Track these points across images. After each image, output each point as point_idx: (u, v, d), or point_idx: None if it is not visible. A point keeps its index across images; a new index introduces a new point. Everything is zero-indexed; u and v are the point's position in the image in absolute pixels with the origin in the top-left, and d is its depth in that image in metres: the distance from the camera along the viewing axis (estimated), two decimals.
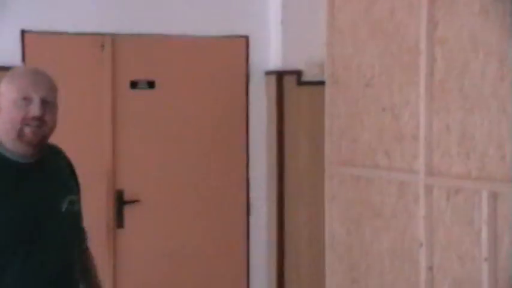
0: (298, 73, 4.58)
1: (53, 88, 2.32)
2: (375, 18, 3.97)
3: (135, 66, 4.37)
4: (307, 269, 4.62)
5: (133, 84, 4.37)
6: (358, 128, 4.10)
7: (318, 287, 4.42)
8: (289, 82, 4.59)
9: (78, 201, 2.43)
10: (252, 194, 4.68)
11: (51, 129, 2.30)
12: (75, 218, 2.41)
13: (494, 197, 3.31)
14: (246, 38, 4.60)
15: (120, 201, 4.36)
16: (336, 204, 4.26)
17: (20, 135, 2.20)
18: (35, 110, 2.19)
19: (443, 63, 3.57)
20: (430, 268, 3.64)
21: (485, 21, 3.35)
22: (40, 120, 2.22)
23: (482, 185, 3.35)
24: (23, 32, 4.10)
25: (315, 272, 4.49)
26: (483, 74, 3.37)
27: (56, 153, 2.46)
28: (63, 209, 2.32)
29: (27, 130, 2.20)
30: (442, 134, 3.58)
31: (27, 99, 2.18)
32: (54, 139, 2.43)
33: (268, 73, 4.63)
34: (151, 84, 4.40)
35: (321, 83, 4.36)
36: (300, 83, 4.59)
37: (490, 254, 3.32)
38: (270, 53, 4.63)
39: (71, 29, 4.18)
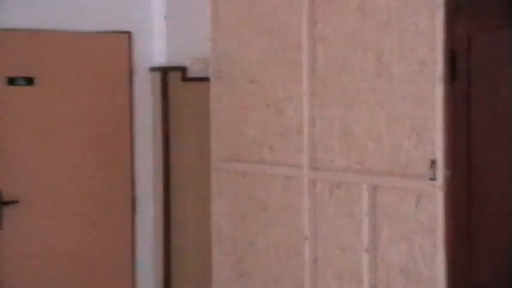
0: (183, 69, 4.56)
1: None
2: (258, 14, 4.00)
3: (12, 62, 4.21)
4: (194, 264, 4.61)
5: (11, 81, 4.21)
6: (243, 124, 4.13)
7: (205, 282, 4.42)
8: (174, 78, 4.56)
9: None
10: (137, 192, 4.62)
11: None
12: None
13: (373, 189, 3.42)
14: (129, 34, 4.53)
15: None
16: (222, 199, 4.27)
17: None
18: None
19: (324, 60, 3.65)
20: (314, 260, 3.71)
21: (362, 18, 3.44)
22: None
23: (362, 178, 3.46)
24: None
25: (202, 267, 4.48)
26: (361, 71, 3.47)
27: None
28: None
29: None
30: (324, 129, 3.66)
31: None
32: None
33: (152, 69, 4.58)
34: (30, 81, 4.26)
35: (206, 79, 4.35)
36: (185, 79, 4.57)
37: (370, 245, 3.43)
38: (154, 49, 4.58)
39: None
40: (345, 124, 3.56)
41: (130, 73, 4.56)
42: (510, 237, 2.89)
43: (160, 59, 4.58)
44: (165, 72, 4.55)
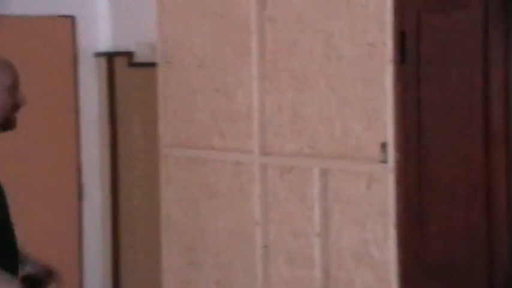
0: (129, 54, 4.48)
1: None
2: None
3: None
4: (144, 252, 4.55)
5: None
6: (192, 109, 4.07)
7: (155, 271, 4.36)
8: (120, 64, 4.49)
9: None
10: (84, 180, 4.53)
11: None
12: None
13: (324, 173, 3.40)
14: (72, 18, 4.42)
15: None
16: (172, 186, 4.22)
17: (7, 122, 2.22)
18: (24, 97, 2.22)
19: (274, 43, 3.61)
20: (266, 246, 3.69)
21: (312, 0, 3.41)
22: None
23: (314, 162, 3.43)
24: None
25: (152, 255, 4.42)
26: (311, 53, 3.44)
27: None
28: None
29: (14, 117, 2.23)
30: (275, 114, 3.63)
31: (16, 87, 2.20)
32: None
33: (97, 55, 4.49)
34: None
35: (154, 64, 4.28)
36: (132, 64, 4.51)
37: (321, 229, 3.41)
38: (99, 33, 4.48)
39: None
40: (295, 108, 3.53)
41: (75, 59, 4.46)
42: (461, 219, 2.90)
43: (105, 44, 4.49)
44: (110, 57, 4.48)
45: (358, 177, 3.27)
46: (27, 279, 2.39)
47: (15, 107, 2.20)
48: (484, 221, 2.82)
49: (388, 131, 3.11)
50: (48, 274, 2.43)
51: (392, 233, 3.13)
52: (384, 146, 3.13)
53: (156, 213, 4.32)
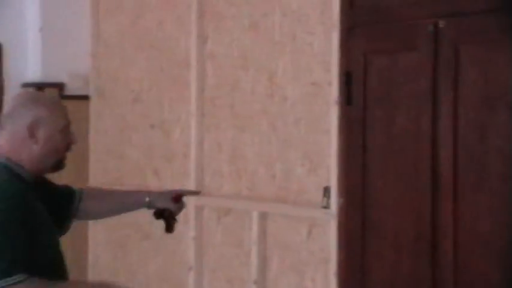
0: (60, 86, 4.32)
1: None
2: (143, 30, 3.87)
3: None
4: None
5: None
6: (126, 146, 3.97)
7: None
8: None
9: None
10: None
11: None
12: None
13: (263, 217, 3.30)
14: (0, 46, 4.21)
15: None
16: (101, 227, 4.04)
17: (61, 162, 2.21)
18: (74, 137, 2.22)
19: (214, 79, 3.54)
20: None
21: (255, 36, 3.33)
22: None
23: (252, 205, 3.34)
24: None
25: None
26: (253, 91, 3.36)
27: None
28: None
29: (65, 157, 2.23)
30: (213, 153, 3.54)
31: (68, 128, 2.20)
32: None
33: (26, 85, 4.30)
34: None
35: (86, 97, 4.16)
36: (63, 96, 4.34)
37: (258, 276, 3.30)
38: (28, 63, 4.33)
39: None
40: (235, 147, 3.43)
41: (1, 89, 4.25)
42: (406, 268, 2.80)
43: (35, 74, 4.33)
44: (40, 88, 4.30)
45: (299, 222, 3.17)
46: (161, 214, 2.35)
47: (68, 147, 2.20)
48: (429, 270, 2.74)
49: (332, 175, 3.02)
50: (175, 200, 2.36)
51: (333, 283, 3.03)
52: (326, 190, 3.03)
53: (84, 255, 4.15)
